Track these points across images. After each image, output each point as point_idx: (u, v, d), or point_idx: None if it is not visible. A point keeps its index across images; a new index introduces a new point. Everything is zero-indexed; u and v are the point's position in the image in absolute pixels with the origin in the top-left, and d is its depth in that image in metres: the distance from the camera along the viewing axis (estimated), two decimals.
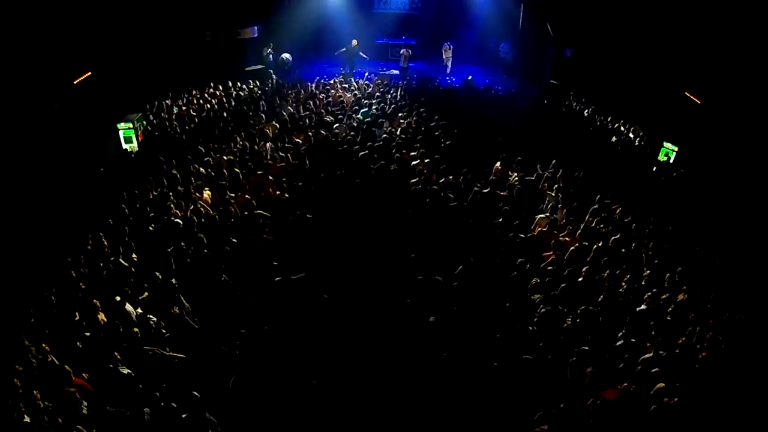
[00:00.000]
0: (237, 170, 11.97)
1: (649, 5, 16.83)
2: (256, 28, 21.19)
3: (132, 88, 16.03)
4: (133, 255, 9.06)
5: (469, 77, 21.38)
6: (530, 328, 8.22)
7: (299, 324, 7.95)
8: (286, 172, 12.21)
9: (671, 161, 14.03)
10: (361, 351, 7.65)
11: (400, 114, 15.70)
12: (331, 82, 19.61)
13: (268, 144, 13.43)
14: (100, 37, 15.81)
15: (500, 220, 10.70)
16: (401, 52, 22.17)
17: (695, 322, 8.09)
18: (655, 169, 13.93)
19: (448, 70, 23.29)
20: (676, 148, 14.14)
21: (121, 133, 13.78)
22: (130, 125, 13.80)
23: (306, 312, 8.14)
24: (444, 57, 23.40)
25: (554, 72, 20.52)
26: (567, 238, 10.26)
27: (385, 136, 13.89)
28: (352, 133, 14.37)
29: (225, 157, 12.64)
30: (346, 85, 19.17)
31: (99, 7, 15.75)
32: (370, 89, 18.52)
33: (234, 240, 9.63)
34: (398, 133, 14.32)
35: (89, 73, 15.16)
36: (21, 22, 13.57)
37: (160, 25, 18.00)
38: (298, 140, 13.81)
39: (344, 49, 21.43)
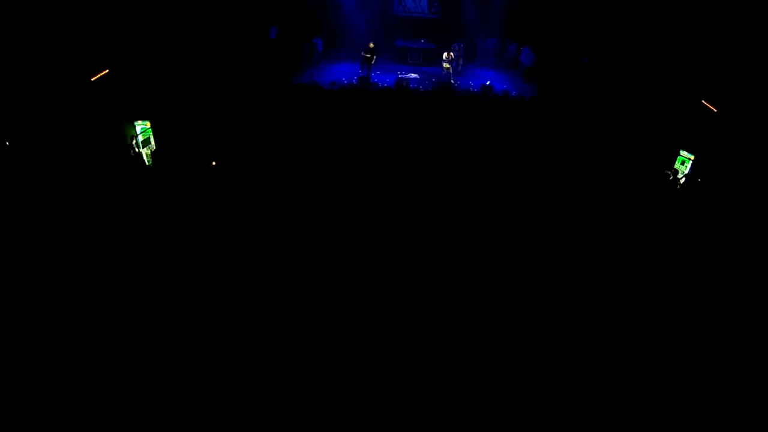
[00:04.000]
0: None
1: (666, 12, 16.78)
2: (273, 29, 21.36)
3: (149, 89, 15.98)
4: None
5: (488, 82, 21.40)
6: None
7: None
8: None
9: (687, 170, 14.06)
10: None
11: None
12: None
13: None
14: (120, 35, 15.94)
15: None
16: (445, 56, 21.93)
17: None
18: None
19: (451, 79, 22.05)
20: (692, 157, 14.15)
21: (138, 131, 13.81)
22: (148, 123, 13.87)
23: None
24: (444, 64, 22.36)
25: (572, 78, 20.49)
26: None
27: None
28: None
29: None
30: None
31: (119, 5, 15.91)
32: None
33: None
34: None
35: (107, 71, 15.19)
36: (42, 18, 13.71)
37: (181, 25, 18.17)
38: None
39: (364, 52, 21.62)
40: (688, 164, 14.20)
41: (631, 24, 17.71)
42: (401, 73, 22.65)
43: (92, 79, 14.71)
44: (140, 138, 13.71)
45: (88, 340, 7.46)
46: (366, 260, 9.58)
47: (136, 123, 13.78)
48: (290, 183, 11.86)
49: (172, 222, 10.19)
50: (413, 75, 22.61)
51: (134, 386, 6.88)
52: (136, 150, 13.35)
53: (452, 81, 21.69)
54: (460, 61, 22.56)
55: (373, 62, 21.91)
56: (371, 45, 21.74)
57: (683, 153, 14.35)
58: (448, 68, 21.84)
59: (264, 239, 9.90)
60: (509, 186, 12.43)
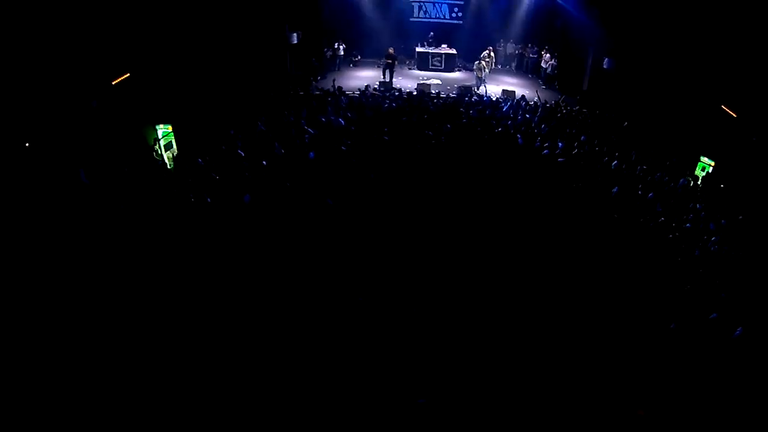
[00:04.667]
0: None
1: (687, 17, 16.66)
2: (295, 35, 21.67)
3: (171, 93, 16.05)
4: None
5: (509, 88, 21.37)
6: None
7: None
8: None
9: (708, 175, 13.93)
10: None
11: None
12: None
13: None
14: (142, 39, 16.05)
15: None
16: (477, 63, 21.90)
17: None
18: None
19: (483, 88, 21.55)
20: (712, 163, 14.02)
21: (160, 134, 13.86)
22: (170, 127, 13.92)
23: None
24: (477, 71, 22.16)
25: (593, 83, 20.45)
26: None
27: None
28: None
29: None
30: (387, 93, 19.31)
31: (141, 9, 16.06)
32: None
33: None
34: None
35: (128, 74, 15.30)
36: (63, 20, 13.88)
37: (204, 29, 18.29)
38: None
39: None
40: (709, 170, 14.07)
41: (652, 29, 17.59)
42: (423, 79, 22.66)
43: (113, 83, 14.93)
44: (162, 141, 13.89)
45: (108, 336, 7.58)
46: (382, 263, 9.67)
47: (157, 126, 13.98)
48: (311, 187, 11.97)
49: (192, 224, 10.37)
50: (435, 80, 22.62)
51: (134, 386, 6.90)
52: (158, 153, 13.60)
53: (477, 88, 21.56)
54: (486, 70, 22.38)
55: (394, 67, 22.04)
56: (391, 50, 21.89)
57: (704, 159, 14.22)
58: (480, 76, 21.85)
59: (281, 244, 10.04)
60: (526, 191, 12.42)
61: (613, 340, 8.11)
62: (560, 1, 21.94)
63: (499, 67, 24.45)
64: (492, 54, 22.56)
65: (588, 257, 9.91)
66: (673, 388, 7.28)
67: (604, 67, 19.89)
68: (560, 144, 14.31)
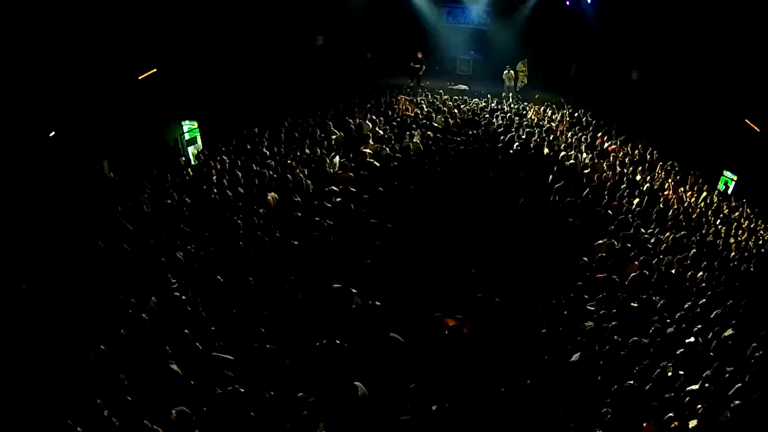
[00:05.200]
0: (302, 176, 12.40)
1: (712, 32, 16.49)
2: (322, 37, 21.85)
3: (197, 90, 16.23)
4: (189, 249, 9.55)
5: (536, 96, 21.31)
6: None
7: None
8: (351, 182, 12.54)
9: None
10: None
11: None
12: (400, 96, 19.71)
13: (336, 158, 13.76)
14: (170, 35, 16.25)
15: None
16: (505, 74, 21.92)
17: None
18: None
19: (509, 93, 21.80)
20: (735, 177, 13.84)
21: (185, 130, 14.03)
22: (195, 123, 14.09)
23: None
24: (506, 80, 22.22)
25: (619, 95, 20.27)
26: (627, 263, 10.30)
27: None
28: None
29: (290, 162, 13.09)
30: (414, 99, 19.42)
31: (170, 6, 16.31)
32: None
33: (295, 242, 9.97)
34: None
35: (154, 70, 15.54)
36: (94, 15, 14.18)
37: (233, 29, 18.57)
38: (366, 150, 14.07)
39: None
40: (731, 184, 13.88)
41: (677, 43, 17.45)
42: (450, 85, 22.62)
43: (139, 78, 15.19)
44: (186, 136, 14.12)
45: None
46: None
47: (183, 122, 14.29)
48: (331, 189, 12.08)
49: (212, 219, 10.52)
50: (463, 86, 22.50)
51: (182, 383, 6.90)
52: (181, 147, 13.98)
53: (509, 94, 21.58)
54: (518, 82, 22.36)
55: (422, 72, 22.08)
56: (419, 55, 21.88)
57: (726, 173, 14.04)
58: (510, 85, 21.87)
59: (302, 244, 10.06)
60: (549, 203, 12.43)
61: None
62: (588, 11, 21.85)
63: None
64: (524, 67, 22.48)
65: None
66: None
67: (632, 78, 19.77)
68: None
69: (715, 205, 12.91)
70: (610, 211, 11.90)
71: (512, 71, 21.88)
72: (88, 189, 11.09)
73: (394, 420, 6.75)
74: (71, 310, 7.65)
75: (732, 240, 11.14)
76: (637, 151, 15.25)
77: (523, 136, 15.46)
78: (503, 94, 21.56)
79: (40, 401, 6.16)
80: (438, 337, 8.20)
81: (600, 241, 10.88)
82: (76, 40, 13.64)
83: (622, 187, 12.84)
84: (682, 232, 11.07)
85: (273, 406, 6.72)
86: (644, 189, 12.95)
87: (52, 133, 12.35)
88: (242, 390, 6.60)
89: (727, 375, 7.62)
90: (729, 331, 8.45)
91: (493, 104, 19.54)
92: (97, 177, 12.07)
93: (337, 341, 7.72)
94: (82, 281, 8.24)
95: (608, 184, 13.05)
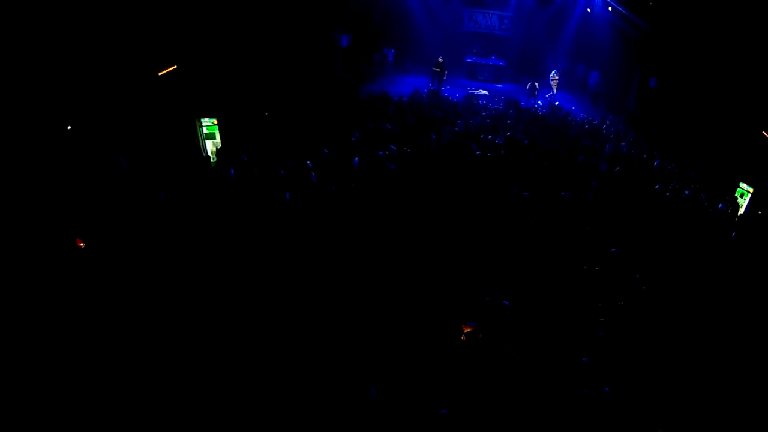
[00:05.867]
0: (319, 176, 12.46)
1: (730, 41, 16.38)
2: (345, 38, 22.11)
3: (218, 87, 16.26)
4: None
5: (556, 102, 21.36)
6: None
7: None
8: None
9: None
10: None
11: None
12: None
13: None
14: (191, 32, 16.28)
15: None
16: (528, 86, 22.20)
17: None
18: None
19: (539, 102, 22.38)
20: (751, 189, 13.75)
21: (204, 127, 14.15)
22: (215, 120, 14.16)
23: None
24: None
25: (638, 102, 20.22)
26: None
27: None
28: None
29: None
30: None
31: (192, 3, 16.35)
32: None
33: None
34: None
35: (174, 66, 15.58)
36: (115, 11, 14.25)
37: (254, 27, 18.54)
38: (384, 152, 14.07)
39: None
40: (747, 197, 13.79)
41: (696, 53, 17.33)
42: (471, 89, 22.86)
43: (159, 74, 15.33)
44: (205, 130, 14.24)
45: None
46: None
47: (203, 119, 14.40)
48: (349, 189, 12.17)
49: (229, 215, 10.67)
50: (483, 91, 22.73)
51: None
52: (201, 144, 14.18)
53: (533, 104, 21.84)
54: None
55: (443, 77, 22.31)
56: (440, 60, 22.15)
57: (743, 185, 13.95)
58: (534, 94, 22.13)
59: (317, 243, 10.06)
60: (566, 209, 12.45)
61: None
62: (610, 18, 21.81)
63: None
64: (556, 77, 22.87)
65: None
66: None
67: (651, 86, 19.68)
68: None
69: None
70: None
71: (557, 77, 22.40)
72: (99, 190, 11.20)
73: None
74: (74, 310, 7.79)
75: None
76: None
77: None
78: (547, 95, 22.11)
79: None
80: (456, 344, 8.11)
81: None
82: (96, 37, 13.80)
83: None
84: None
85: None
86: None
87: (69, 127, 12.52)
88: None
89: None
90: None
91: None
92: (114, 172, 12.06)
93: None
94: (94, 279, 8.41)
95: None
